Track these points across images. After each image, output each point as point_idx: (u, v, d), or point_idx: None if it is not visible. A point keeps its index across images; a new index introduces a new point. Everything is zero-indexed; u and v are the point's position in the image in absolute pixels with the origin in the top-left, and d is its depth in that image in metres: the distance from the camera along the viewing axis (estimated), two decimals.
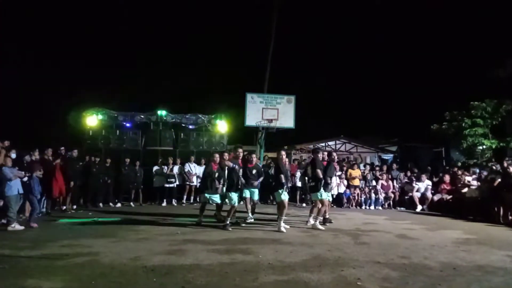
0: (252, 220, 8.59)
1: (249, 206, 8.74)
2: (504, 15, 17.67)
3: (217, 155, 8.49)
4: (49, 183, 9.30)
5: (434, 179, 12.99)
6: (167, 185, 12.37)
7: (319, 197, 7.99)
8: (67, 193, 10.23)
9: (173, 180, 12.39)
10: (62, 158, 10.27)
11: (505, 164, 9.90)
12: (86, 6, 23.26)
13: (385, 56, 25.32)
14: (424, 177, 12.66)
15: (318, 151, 8.71)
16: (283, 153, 8.51)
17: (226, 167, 8.20)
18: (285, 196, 7.72)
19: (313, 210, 8.16)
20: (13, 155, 8.63)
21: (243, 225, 8.17)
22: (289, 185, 10.41)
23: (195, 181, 12.55)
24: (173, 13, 25.51)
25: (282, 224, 7.56)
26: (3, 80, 17.11)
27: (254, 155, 9.09)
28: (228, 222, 7.70)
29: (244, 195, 8.55)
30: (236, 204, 8.01)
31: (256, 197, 9.04)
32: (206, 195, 8.28)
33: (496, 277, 4.60)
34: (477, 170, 12.01)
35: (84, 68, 22.35)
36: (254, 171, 8.66)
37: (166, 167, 12.50)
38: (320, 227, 7.86)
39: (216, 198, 8.32)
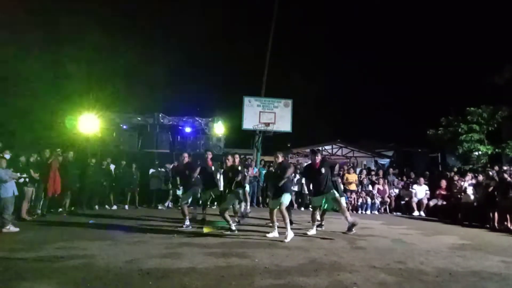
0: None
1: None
2: (500, 22, 17.91)
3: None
4: (45, 183, 9.26)
5: (431, 183, 13.02)
6: (163, 188, 12.33)
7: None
8: (63, 195, 10.15)
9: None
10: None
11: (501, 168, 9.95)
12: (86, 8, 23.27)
13: (382, 61, 25.56)
14: (422, 181, 12.68)
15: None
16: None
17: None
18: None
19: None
20: (7, 156, 8.56)
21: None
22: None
23: None
24: (172, 13, 25.66)
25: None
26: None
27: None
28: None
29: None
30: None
31: None
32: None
33: (491, 282, 4.61)
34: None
35: (83, 69, 22.32)
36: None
37: (162, 170, 12.46)
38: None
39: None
